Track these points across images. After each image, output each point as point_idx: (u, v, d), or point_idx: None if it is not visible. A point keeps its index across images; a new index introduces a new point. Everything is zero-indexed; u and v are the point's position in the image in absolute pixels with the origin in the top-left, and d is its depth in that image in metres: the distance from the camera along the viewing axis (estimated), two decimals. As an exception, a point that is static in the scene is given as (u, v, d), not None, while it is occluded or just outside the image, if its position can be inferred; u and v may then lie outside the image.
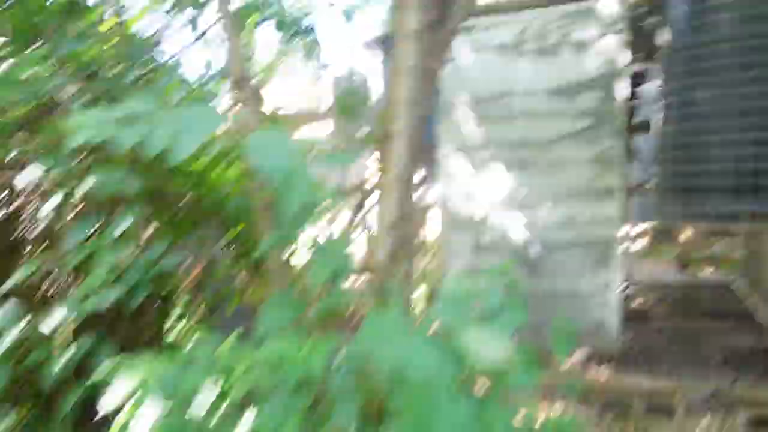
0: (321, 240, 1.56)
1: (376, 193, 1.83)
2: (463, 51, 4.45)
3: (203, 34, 3.28)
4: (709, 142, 3.53)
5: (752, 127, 3.33)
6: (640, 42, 4.50)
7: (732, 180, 3.41)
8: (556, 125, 4.27)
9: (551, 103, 4.27)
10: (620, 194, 4.13)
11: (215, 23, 3.29)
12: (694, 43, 3.57)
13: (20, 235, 2.35)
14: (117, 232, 1.93)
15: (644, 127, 5.00)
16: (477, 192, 4.51)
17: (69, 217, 2.23)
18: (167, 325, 2.71)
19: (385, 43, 6.44)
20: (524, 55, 4.32)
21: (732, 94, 3.40)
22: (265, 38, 11.36)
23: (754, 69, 3.28)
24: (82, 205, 2.25)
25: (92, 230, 2.00)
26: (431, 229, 5.54)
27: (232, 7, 1.99)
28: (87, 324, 1.88)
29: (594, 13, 4.12)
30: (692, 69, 3.60)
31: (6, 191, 2.38)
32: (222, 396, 1.29)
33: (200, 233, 2.84)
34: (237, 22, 2.18)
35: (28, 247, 2.36)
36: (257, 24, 3.61)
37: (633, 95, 4.99)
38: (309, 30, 3.76)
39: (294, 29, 3.66)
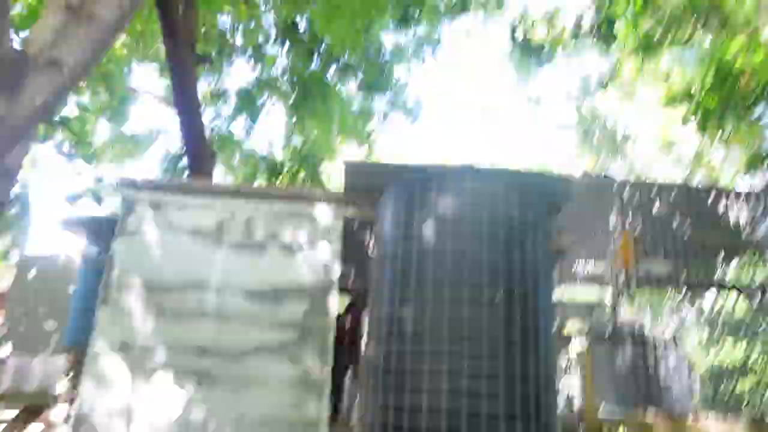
0: None
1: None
2: (149, 227, 3.61)
3: None
4: (420, 370, 2.83)
5: (467, 357, 2.75)
6: (353, 256, 4.02)
7: (444, 421, 2.68)
8: (252, 333, 3.40)
9: (250, 306, 3.45)
10: (323, 426, 3.24)
11: None
12: (403, 255, 3.08)
13: None
14: None
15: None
16: (134, 407, 3.24)
17: None
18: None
19: (87, 224, 5.28)
20: (224, 247, 3.59)
21: (442, 316, 2.86)
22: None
23: (463, 288, 2.85)
24: None
25: None
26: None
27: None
28: None
29: (307, 218, 3.68)
30: (401, 283, 3.03)
31: None
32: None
33: None
34: None
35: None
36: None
37: (352, 320, 4.56)
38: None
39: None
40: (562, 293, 6.35)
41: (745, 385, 6.20)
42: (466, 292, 2.85)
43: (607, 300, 5.56)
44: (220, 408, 3.22)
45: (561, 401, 5.02)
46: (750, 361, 6.82)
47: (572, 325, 6.44)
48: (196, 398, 3.23)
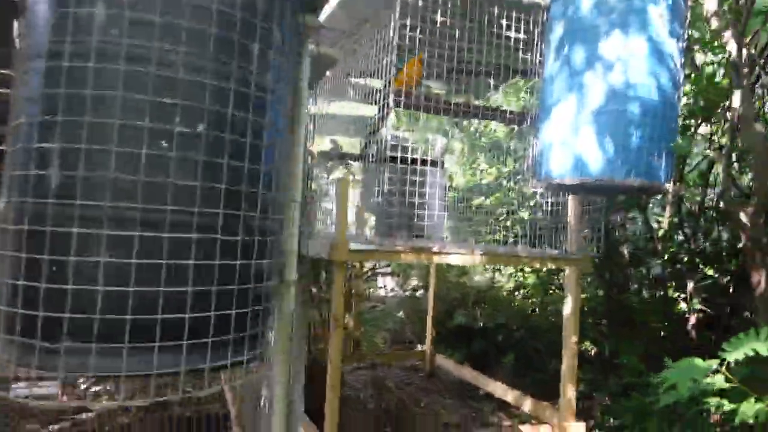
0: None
1: None
2: None
3: None
4: (66, 241, 1.75)
5: (141, 222, 1.75)
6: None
7: (98, 321, 1.71)
8: None
9: None
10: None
11: None
12: (52, 53, 1.83)
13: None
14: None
15: None
16: None
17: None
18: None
19: None
20: None
21: (107, 157, 1.73)
22: None
23: (143, 111, 1.74)
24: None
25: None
26: None
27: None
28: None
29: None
30: (47, 101, 1.81)
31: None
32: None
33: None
34: None
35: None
36: None
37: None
38: None
39: None
40: (328, 109, 5.74)
41: (488, 202, 6.75)
42: (146, 119, 1.77)
43: (379, 120, 5.08)
44: None
45: (319, 236, 4.63)
46: (497, 181, 7.39)
47: (338, 146, 6.02)
48: None
